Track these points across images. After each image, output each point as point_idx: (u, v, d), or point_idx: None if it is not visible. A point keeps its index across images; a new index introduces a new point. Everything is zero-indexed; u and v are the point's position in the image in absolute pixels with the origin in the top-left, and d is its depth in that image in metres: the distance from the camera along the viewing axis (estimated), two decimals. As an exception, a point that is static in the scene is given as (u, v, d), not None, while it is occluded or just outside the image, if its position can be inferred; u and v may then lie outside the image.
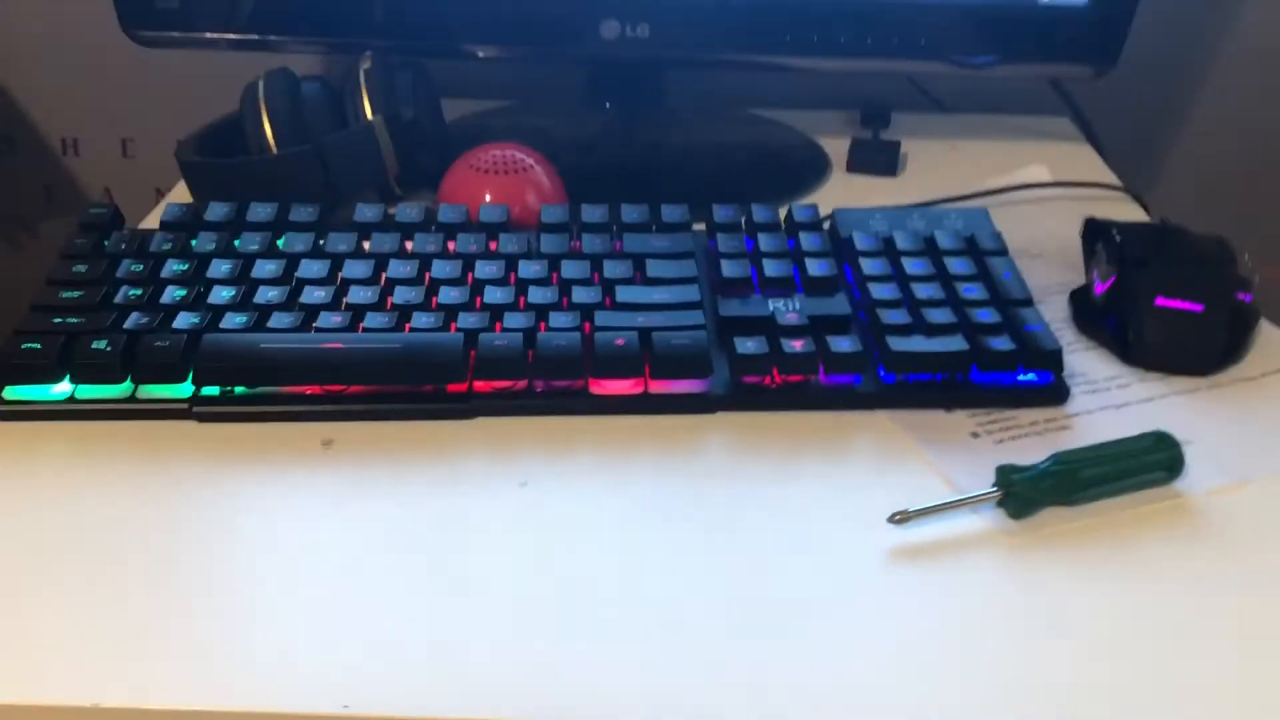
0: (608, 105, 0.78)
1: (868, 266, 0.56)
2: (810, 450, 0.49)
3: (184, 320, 0.51)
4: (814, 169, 0.77)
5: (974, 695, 0.37)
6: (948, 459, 0.48)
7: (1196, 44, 0.89)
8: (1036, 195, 0.74)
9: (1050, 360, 0.51)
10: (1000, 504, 0.45)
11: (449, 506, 0.45)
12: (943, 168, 0.79)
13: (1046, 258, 0.66)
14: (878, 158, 0.77)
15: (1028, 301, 0.54)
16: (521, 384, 0.51)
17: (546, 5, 0.69)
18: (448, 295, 0.53)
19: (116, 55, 0.70)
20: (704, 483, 0.47)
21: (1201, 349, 0.55)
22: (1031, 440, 0.50)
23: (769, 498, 0.46)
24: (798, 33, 0.70)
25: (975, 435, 0.50)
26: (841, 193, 0.75)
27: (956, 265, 0.56)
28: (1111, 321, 0.57)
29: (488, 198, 0.62)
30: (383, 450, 0.48)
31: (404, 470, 0.47)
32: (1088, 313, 0.59)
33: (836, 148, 0.79)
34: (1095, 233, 0.62)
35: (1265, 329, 0.58)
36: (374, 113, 0.65)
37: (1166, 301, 0.55)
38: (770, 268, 0.56)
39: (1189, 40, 0.89)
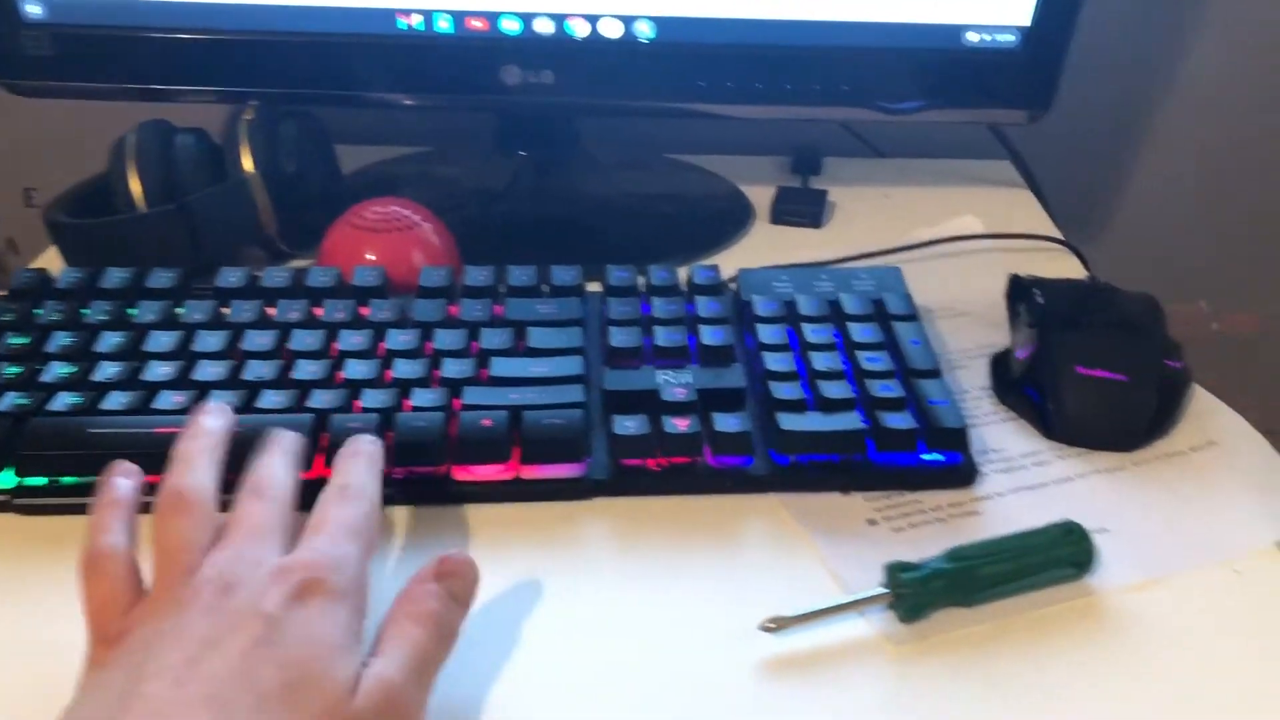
0: (521, 153, 0.74)
1: (765, 334, 0.52)
2: (692, 543, 0.45)
3: (9, 401, 0.47)
4: (735, 220, 0.73)
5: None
6: (838, 551, 0.44)
7: (1142, 87, 0.86)
8: (966, 248, 0.70)
9: (954, 440, 0.47)
10: (891, 606, 0.41)
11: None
12: (872, 217, 0.75)
13: (972, 316, 0.62)
14: (803, 208, 0.73)
15: (934, 372, 0.50)
16: (379, 469, 0.46)
17: (443, 50, 0.65)
18: (304, 370, 0.49)
19: (13, 100, 0.66)
20: (576, 579, 0.43)
21: (1126, 423, 0.51)
22: (934, 527, 0.46)
23: (642, 598, 0.42)
24: (712, 79, 0.66)
25: (872, 522, 0.46)
26: (762, 247, 0.70)
27: (861, 332, 0.52)
28: (1031, 391, 0.53)
29: (370, 257, 0.58)
30: (217, 546, 0.44)
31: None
32: (1008, 380, 0.54)
33: (763, 196, 0.75)
34: (1019, 292, 0.58)
35: (1198, 395, 0.54)
36: (255, 166, 0.61)
37: (1089, 371, 0.51)
38: (662, 336, 0.52)
39: (1134, 83, 0.85)
